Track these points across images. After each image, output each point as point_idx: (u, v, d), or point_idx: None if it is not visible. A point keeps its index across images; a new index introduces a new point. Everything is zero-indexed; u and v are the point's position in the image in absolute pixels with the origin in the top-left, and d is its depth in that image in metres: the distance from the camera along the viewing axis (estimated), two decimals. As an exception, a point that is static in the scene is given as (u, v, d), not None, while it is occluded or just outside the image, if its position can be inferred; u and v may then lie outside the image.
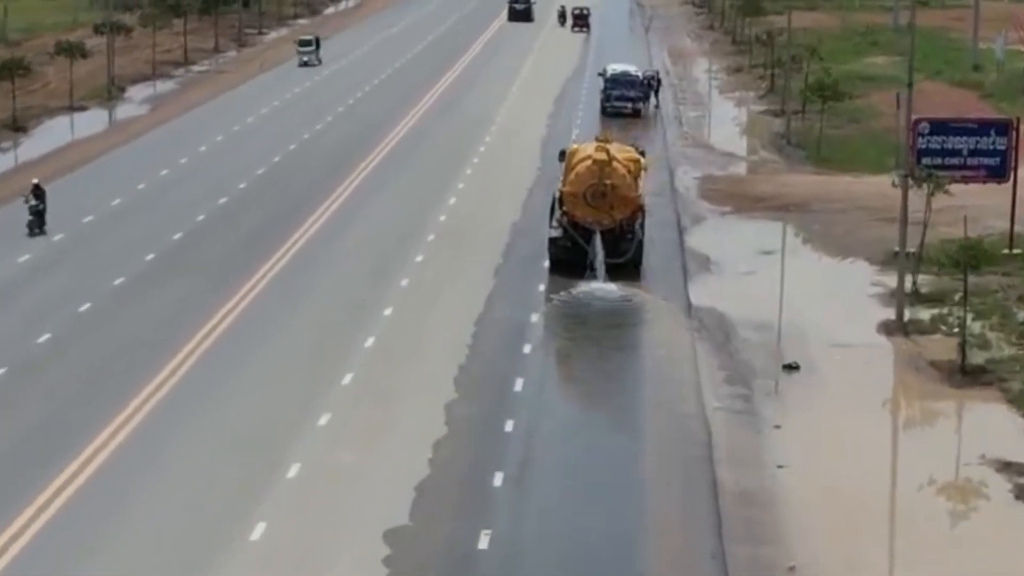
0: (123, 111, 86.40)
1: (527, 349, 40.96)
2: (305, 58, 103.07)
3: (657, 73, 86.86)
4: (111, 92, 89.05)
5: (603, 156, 48.15)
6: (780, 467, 33.01)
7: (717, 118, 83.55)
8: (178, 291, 45.93)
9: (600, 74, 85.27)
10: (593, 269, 47.40)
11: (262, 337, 41.61)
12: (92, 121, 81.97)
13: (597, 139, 51.16)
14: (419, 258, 50.00)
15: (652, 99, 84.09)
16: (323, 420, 35.15)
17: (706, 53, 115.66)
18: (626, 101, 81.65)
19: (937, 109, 69.28)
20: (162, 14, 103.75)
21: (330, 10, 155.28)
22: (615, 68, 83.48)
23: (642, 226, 48.90)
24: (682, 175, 65.95)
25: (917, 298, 45.16)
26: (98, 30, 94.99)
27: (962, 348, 39.27)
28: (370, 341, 41.28)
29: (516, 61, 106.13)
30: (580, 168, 48.14)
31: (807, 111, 77.71)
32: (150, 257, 49.71)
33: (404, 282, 47.14)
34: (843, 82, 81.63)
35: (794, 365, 39.56)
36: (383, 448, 33.93)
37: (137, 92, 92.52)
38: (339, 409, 35.87)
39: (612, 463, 33.72)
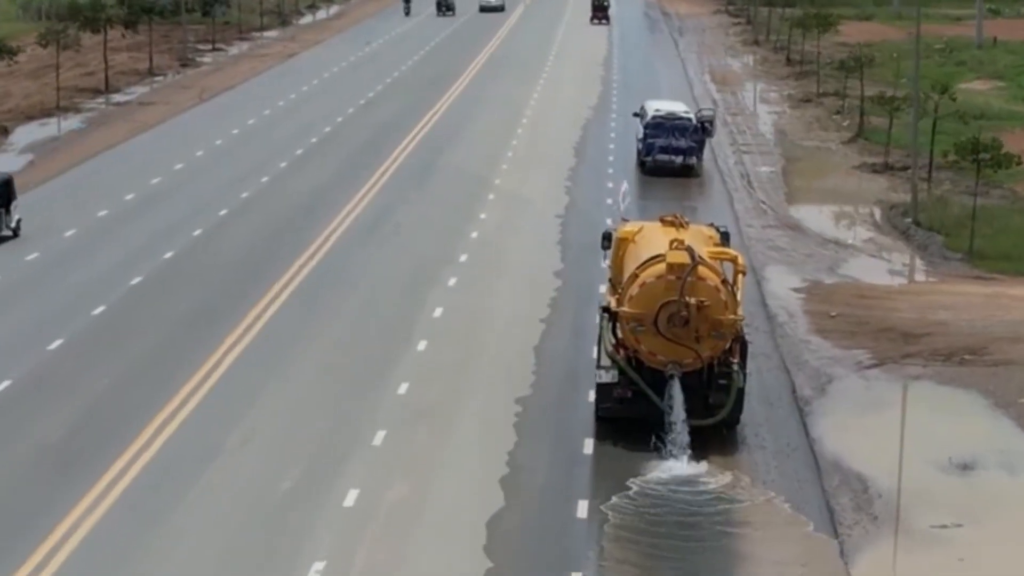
0: (-2, 162, 64.30)
1: None
2: None
3: (713, 114, 64.46)
4: (-14, 136, 67.26)
5: (683, 258, 29.85)
6: None
7: (797, 177, 61.07)
8: None
9: (636, 114, 63.09)
10: (668, 436, 29.77)
11: None
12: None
13: (663, 220, 33.30)
14: (349, 499, 27.53)
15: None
16: None
17: (756, 76, 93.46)
18: (674, 154, 59.40)
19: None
20: (63, 30, 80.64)
21: (306, 19, 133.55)
22: (658, 108, 61.12)
23: (743, 365, 31.03)
24: (775, 283, 43.78)
25: None
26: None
27: None
28: None
29: (522, 88, 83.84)
30: (647, 277, 30.11)
31: (935, 170, 55.92)
32: None
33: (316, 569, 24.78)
34: (950, 119, 60.27)
35: None
36: None
37: (26, 134, 70.22)
38: None
39: None
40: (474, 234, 48.66)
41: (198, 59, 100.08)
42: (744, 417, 31.80)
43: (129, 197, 54.11)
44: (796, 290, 43.05)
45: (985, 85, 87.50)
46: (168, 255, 45.32)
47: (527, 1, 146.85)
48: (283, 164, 60.40)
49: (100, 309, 39.51)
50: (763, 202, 55.13)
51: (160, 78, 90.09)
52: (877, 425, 32.75)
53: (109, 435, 30.28)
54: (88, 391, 33.09)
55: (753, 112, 78.08)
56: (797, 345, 37.81)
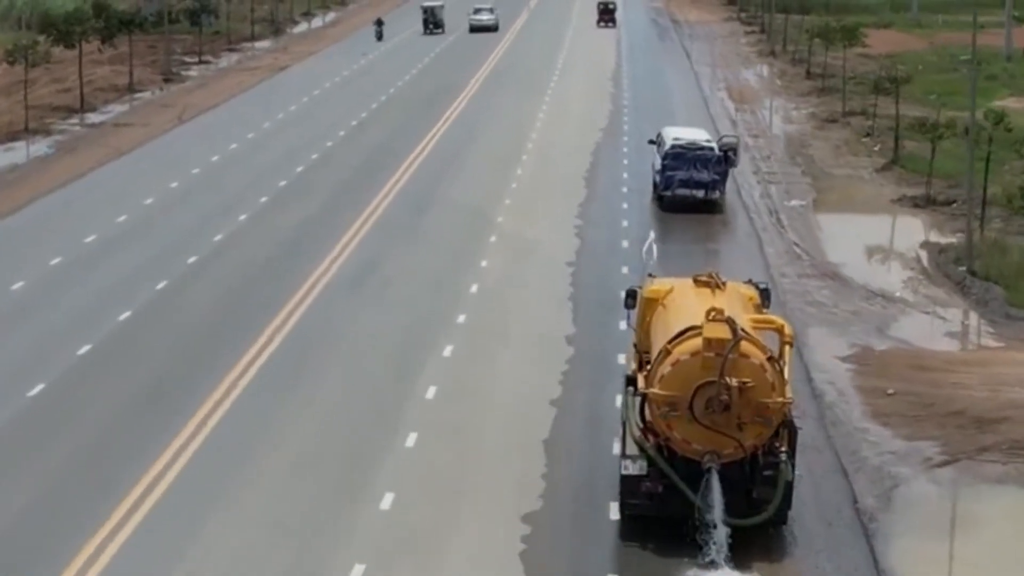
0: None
1: None
2: None
3: (737, 142, 58.77)
4: (-61, 164, 61.64)
5: (722, 332, 25.57)
6: None
7: (831, 212, 55.35)
8: None
9: (653, 142, 57.44)
10: (706, 537, 25.48)
11: None
12: None
13: (697, 280, 28.95)
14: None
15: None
16: None
17: (775, 91, 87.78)
18: (696, 188, 53.79)
19: None
20: (32, 46, 74.71)
21: (300, 28, 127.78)
22: (677, 136, 55.44)
23: (792, 455, 26.39)
24: (820, 350, 38.05)
25: None
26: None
27: None
28: None
29: (526, 106, 78.19)
30: (681, 354, 25.81)
31: (990, 210, 50.29)
32: None
33: None
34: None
35: None
36: None
37: (-11, 159, 64.78)
38: None
39: None
40: (474, 287, 42.99)
41: (183, 73, 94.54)
42: (801, 541, 26.44)
43: (89, 239, 48.49)
44: (844, 359, 37.37)
45: (1020, 103, 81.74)
46: (124, 316, 39.69)
47: (531, 5, 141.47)
48: (264, 199, 54.77)
49: (38, 388, 33.94)
50: (796, 244, 49.46)
51: (141, 94, 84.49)
52: (960, 552, 27.06)
53: (21, 578, 24.68)
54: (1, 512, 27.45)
55: (776, 134, 72.36)
56: (852, 436, 32.18)
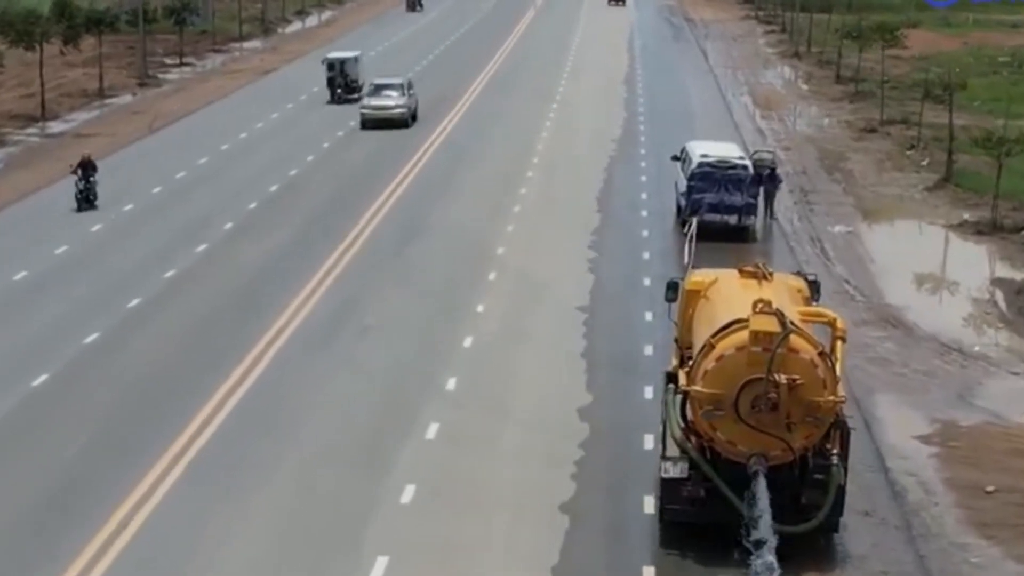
0: None
1: None
2: None
3: (773, 158, 51.52)
4: None
5: (770, 324, 23.77)
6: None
7: (882, 241, 48.19)
8: None
9: (676, 158, 50.20)
10: (753, 543, 23.04)
11: None
12: None
13: (743, 270, 26.94)
14: None
15: (763, 203, 48.94)
16: None
17: (804, 97, 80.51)
18: (728, 213, 46.66)
19: None
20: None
21: (294, 27, 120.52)
22: (706, 153, 48.10)
23: (844, 457, 24.56)
24: (893, 427, 30.79)
25: None
26: None
27: None
28: None
29: (532, 112, 71.00)
30: (726, 349, 24.08)
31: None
32: None
33: None
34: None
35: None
36: None
37: (-76, 178, 57.58)
38: None
39: None
40: (468, 341, 35.69)
41: (160, 76, 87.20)
42: None
43: (19, 277, 41.35)
44: (924, 439, 30.15)
45: (1073, 110, 74.58)
46: (40, 380, 32.50)
47: (537, 3, 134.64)
48: (228, 225, 47.58)
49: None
50: (847, 281, 42.18)
51: (112, 100, 77.28)
52: None
53: None
54: None
55: (808, 145, 64.92)
56: (950, 555, 24.98)
